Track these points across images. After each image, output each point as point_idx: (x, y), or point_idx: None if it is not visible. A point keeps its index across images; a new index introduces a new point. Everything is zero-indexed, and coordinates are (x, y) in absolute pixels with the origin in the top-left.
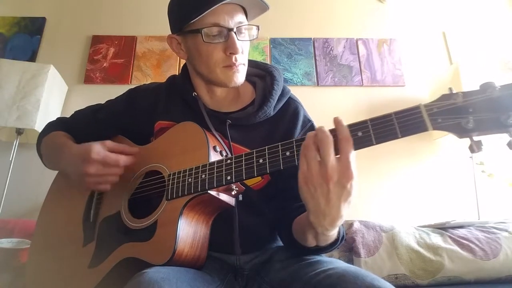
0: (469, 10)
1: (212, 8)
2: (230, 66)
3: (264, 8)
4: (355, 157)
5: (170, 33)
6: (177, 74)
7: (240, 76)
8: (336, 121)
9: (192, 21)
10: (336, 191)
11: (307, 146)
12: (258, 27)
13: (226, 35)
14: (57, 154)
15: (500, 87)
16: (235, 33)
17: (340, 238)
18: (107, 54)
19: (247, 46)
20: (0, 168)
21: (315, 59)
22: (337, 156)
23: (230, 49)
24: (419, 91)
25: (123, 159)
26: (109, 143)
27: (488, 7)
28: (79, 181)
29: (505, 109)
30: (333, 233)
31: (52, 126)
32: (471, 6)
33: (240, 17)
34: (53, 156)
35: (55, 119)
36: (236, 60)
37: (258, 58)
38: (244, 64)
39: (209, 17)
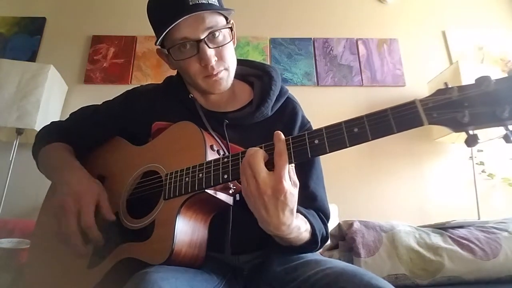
0: (469, 10)
1: (170, 28)
2: (209, 76)
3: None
4: (354, 155)
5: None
6: (174, 75)
7: (223, 82)
8: (275, 135)
9: (161, 41)
10: (272, 203)
11: (243, 165)
12: (231, 28)
13: (197, 48)
14: (56, 172)
15: (495, 80)
16: (205, 42)
17: (320, 239)
18: (107, 54)
19: (226, 49)
20: (0, 168)
21: (315, 59)
22: (272, 171)
23: (203, 61)
24: (419, 91)
25: (87, 224)
26: (103, 198)
27: (488, 6)
28: (58, 203)
29: (501, 103)
30: (292, 236)
31: (50, 135)
32: (471, 6)
33: (209, 22)
34: (51, 172)
35: (49, 123)
36: (213, 69)
37: (258, 58)
38: (226, 69)
39: (175, 33)
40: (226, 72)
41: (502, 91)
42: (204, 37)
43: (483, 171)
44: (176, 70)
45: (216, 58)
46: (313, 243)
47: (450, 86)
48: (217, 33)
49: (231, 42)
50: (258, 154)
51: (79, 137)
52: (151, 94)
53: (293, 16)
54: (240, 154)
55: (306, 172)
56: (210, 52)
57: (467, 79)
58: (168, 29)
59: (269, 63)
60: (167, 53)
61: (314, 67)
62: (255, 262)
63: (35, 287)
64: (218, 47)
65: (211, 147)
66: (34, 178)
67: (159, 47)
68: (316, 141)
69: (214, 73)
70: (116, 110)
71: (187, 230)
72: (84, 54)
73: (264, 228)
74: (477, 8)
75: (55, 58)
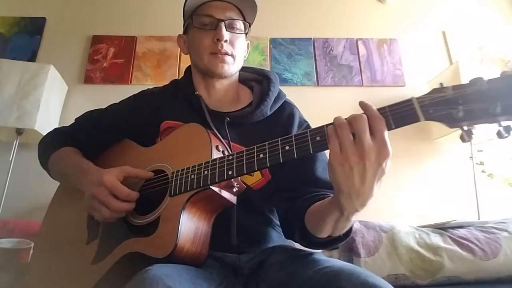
0: (469, 10)
1: (204, 2)
2: (216, 54)
3: (252, 6)
4: None
5: (171, 33)
6: (177, 74)
7: (226, 66)
8: (363, 103)
9: (190, 14)
10: (372, 170)
11: (340, 125)
12: (249, 24)
13: (216, 25)
14: (75, 177)
15: (488, 80)
16: (224, 24)
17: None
18: (107, 54)
19: (238, 39)
20: (0, 168)
21: (315, 59)
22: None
23: (216, 36)
24: (419, 91)
25: (124, 194)
26: (127, 169)
27: (488, 6)
28: (87, 201)
29: (493, 100)
30: (353, 219)
31: (58, 141)
32: (471, 6)
33: (232, 14)
34: (70, 178)
35: (52, 130)
36: (222, 47)
37: (258, 58)
38: (232, 56)
39: (204, 9)
40: (232, 58)
41: (494, 90)
42: (225, 20)
43: (483, 171)
44: (178, 69)
45: (227, 40)
46: (347, 234)
47: (445, 85)
48: (236, 24)
49: (244, 36)
50: (364, 115)
51: (86, 143)
52: (159, 95)
53: (293, 16)
54: (244, 151)
55: (311, 166)
56: (225, 32)
57: (467, 79)
58: (203, 3)
59: (269, 63)
60: (185, 37)
61: (314, 67)
62: (255, 261)
63: (38, 284)
64: (233, 33)
65: (217, 147)
66: (34, 178)
67: (181, 34)
68: (318, 138)
69: (222, 51)
70: (126, 113)
71: (191, 226)
72: (84, 54)
73: (347, 204)
74: (477, 8)
75: (55, 58)
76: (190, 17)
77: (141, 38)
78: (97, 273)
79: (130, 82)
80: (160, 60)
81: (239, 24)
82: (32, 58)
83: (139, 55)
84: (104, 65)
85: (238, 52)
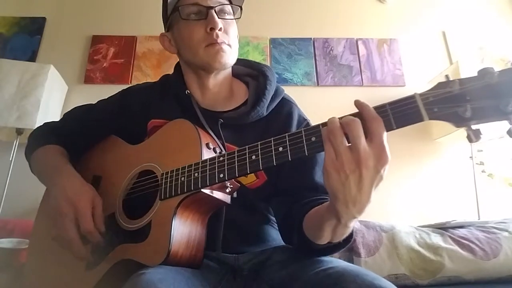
0: (469, 10)
1: None
2: (212, 44)
3: None
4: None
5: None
6: (170, 73)
7: (225, 56)
8: (358, 103)
9: (174, 7)
10: (370, 177)
11: (332, 131)
12: (240, 7)
13: (206, 14)
14: (49, 177)
15: (498, 72)
16: (215, 11)
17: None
18: (107, 54)
19: (231, 26)
20: (0, 168)
21: (315, 59)
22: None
23: (209, 25)
24: (419, 91)
25: (86, 229)
26: (97, 203)
27: (488, 7)
28: (55, 211)
29: (504, 96)
30: (352, 225)
31: (42, 137)
32: (471, 6)
33: None
34: (44, 176)
35: (42, 124)
36: (217, 36)
37: (258, 58)
38: (229, 45)
39: None
40: (229, 48)
41: (505, 83)
42: (215, 6)
43: (483, 171)
44: (173, 65)
45: (222, 28)
46: (347, 239)
47: (451, 79)
48: (226, 9)
49: (235, 22)
50: (357, 120)
51: (72, 137)
52: (146, 92)
53: (293, 16)
54: (236, 152)
55: (310, 170)
56: (218, 19)
57: None
58: None
59: (269, 63)
60: (169, 34)
61: (314, 67)
62: (254, 262)
63: (34, 286)
64: (225, 19)
65: (207, 145)
66: (34, 178)
67: (164, 32)
68: (313, 138)
69: (218, 41)
70: (112, 109)
71: (183, 230)
72: (84, 54)
73: (344, 211)
74: (477, 8)
75: (55, 58)
76: (175, 9)
77: (141, 38)
78: (91, 279)
79: (130, 82)
80: (160, 60)
81: (229, 9)
82: (32, 58)
83: (139, 55)
84: (104, 65)
85: (233, 40)
